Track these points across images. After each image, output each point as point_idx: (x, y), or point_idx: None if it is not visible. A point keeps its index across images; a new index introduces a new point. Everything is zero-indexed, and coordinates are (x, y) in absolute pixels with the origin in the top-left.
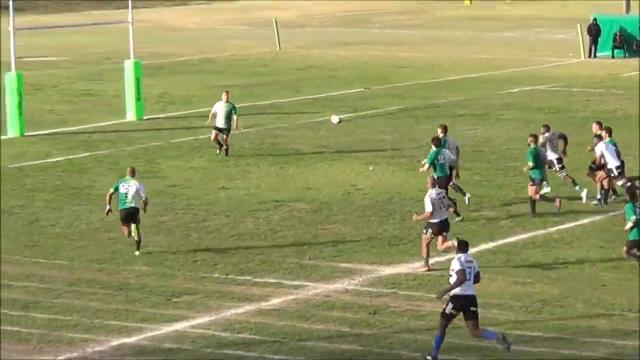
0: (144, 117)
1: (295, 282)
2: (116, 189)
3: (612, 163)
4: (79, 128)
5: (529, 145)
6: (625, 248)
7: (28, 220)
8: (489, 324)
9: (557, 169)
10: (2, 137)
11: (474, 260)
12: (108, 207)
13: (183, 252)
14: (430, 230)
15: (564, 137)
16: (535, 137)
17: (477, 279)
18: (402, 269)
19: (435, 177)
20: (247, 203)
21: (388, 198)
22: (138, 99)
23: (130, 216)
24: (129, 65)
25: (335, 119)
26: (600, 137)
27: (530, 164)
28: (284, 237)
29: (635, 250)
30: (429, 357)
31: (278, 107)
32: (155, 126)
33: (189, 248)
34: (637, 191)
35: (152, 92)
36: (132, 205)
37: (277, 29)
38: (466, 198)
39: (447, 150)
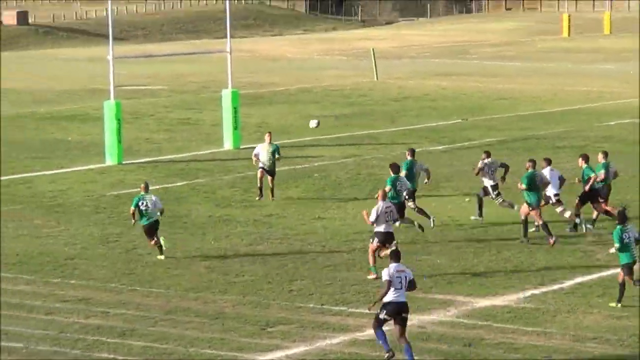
0: (241, 146)
1: None
2: (136, 206)
3: (551, 191)
4: (176, 157)
5: (527, 169)
6: (620, 274)
7: (125, 248)
8: (585, 357)
9: (493, 195)
10: (101, 165)
11: (406, 270)
12: (134, 221)
13: (278, 282)
14: (376, 239)
15: (505, 166)
16: (534, 162)
17: (411, 286)
18: (497, 301)
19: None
20: (343, 233)
21: (484, 230)
22: (235, 128)
23: (153, 228)
24: (227, 94)
25: (313, 123)
26: (549, 162)
27: (524, 186)
28: (380, 267)
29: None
30: (387, 355)
31: (374, 137)
32: (252, 155)
33: (284, 277)
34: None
35: (250, 121)
36: (154, 218)
37: (374, 59)
38: (431, 221)
39: (404, 178)
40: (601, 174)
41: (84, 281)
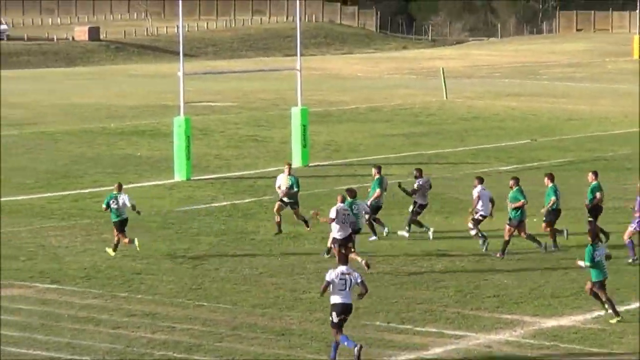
0: (310, 164)
1: (456, 332)
2: (107, 205)
3: (482, 210)
4: (244, 173)
5: (511, 188)
6: (587, 285)
7: (192, 263)
8: None
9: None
10: (169, 181)
11: (352, 272)
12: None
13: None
14: (337, 245)
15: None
16: (517, 180)
17: (363, 287)
18: (564, 321)
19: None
20: (410, 252)
21: (549, 252)
22: (304, 145)
23: (123, 225)
24: (296, 112)
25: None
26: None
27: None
28: (446, 286)
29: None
30: (355, 349)
31: (443, 156)
32: (321, 173)
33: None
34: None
35: (319, 139)
36: (124, 216)
37: (444, 78)
38: (385, 230)
39: (361, 203)
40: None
41: (151, 296)
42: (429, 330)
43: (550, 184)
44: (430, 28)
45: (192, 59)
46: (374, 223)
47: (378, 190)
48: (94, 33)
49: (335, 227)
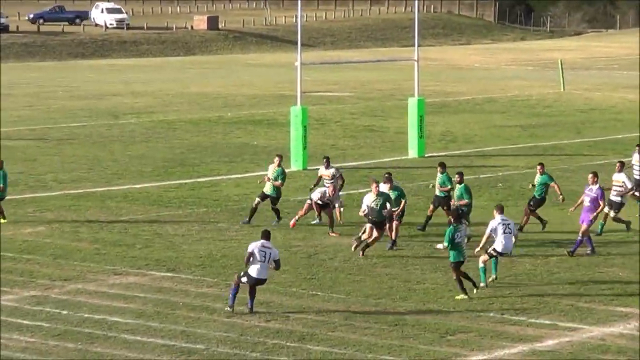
0: (426, 155)
1: (570, 324)
2: None
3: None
4: (360, 163)
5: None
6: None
7: (307, 253)
8: None
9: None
10: (286, 171)
11: (272, 248)
12: None
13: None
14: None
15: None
16: (461, 175)
17: (276, 265)
18: None
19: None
20: (524, 243)
21: None
22: (421, 136)
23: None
24: (413, 102)
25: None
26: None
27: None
28: (561, 278)
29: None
30: (228, 309)
31: (559, 148)
32: (437, 164)
33: (465, 286)
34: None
35: (435, 129)
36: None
37: (562, 70)
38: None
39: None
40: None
41: (266, 285)
42: (542, 322)
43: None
44: (548, 19)
45: (309, 48)
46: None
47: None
48: (212, 22)
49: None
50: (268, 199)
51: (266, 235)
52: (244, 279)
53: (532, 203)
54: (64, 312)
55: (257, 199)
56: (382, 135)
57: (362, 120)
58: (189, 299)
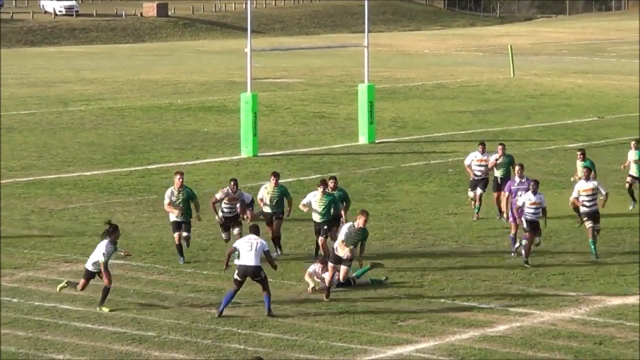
0: (376, 141)
1: (521, 309)
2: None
3: None
4: (310, 150)
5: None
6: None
7: None
8: None
9: None
10: (236, 157)
11: (260, 239)
12: None
13: (410, 276)
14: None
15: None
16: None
17: (268, 257)
18: (630, 300)
19: None
20: (475, 229)
21: (617, 228)
22: (371, 122)
23: None
24: (363, 88)
25: None
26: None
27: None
28: (511, 264)
29: None
30: (215, 311)
31: (509, 134)
32: (387, 150)
33: (416, 272)
34: None
35: (385, 115)
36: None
37: (511, 55)
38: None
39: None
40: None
41: (217, 272)
42: (493, 307)
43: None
44: (498, 5)
45: (259, 35)
46: None
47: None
48: (162, 9)
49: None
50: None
51: (255, 231)
52: (235, 274)
53: (499, 183)
54: (15, 300)
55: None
56: (332, 122)
57: (312, 106)
58: (139, 286)
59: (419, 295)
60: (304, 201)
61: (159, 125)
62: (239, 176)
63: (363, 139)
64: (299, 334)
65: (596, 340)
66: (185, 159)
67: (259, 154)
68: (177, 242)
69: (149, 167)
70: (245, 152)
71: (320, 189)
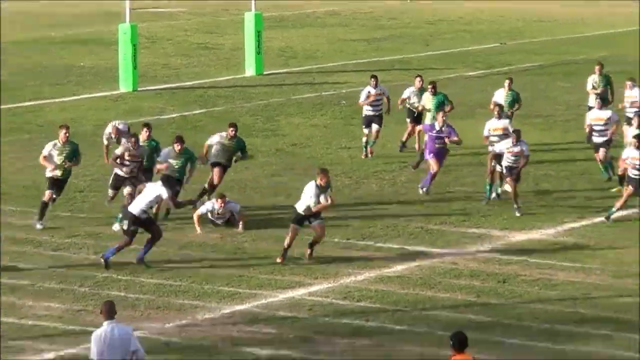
0: (264, 72)
1: (420, 248)
2: None
3: None
4: (194, 83)
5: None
6: None
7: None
8: (626, 294)
9: None
10: (115, 92)
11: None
12: None
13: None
14: None
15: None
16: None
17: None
18: (534, 235)
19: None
20: (371, 163)
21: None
22: (258, 52)
23: None
24: (249, 17)
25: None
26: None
27: None
28: (410, 200)
29: None
30: (101, 258)
31: (406, 62)
32: (276, 82)
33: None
34: None
35: (274, 45)
36: None
37: None
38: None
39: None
40: None
41: (95, 215)
42: (390, 246)
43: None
44: None
45: None
46: None
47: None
48: None
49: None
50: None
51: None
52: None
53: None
54: None
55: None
56: (218, 53)
57: (196, 37)
58: (12, 232)
59: (311, 235)
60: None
61: (31, 60)
62: (119, 112)
63: (250, 71)
64: (183, 279)
65: (499, 279)
66: (61, 95)
67: (139, 89)
68: (45, 200)
69: (22, 104)
70: (125, 86)
71: (230, 131)
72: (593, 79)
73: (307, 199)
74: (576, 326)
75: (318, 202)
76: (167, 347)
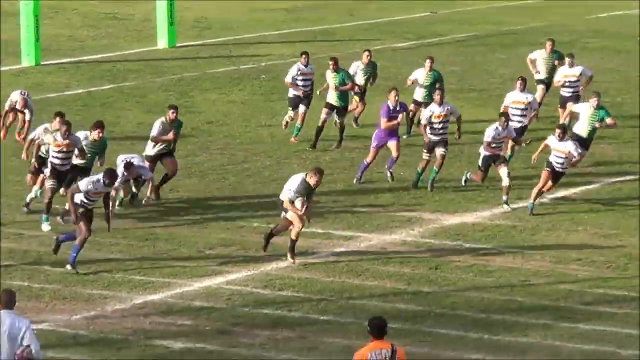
0: (177, 45)
1: (346, 233)
2: None
3: None
4: (102, 56)
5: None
6: None
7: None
8: (567, 280)
9: None
10: (16, 66)
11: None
12: None
13: (218, 198)
14: None
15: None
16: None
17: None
18: (469, 218)
19: None
20: (292, 143)
21: (451, 137)
22: (171, 23)
23: None
24: None
25: None
26: None
27: None
28: (334, 181)
29: None
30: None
31: (330, 33)
32: (190, 55)
33: (225, 193)
34: None
35: (187, 15)
36: None
37: None
38: None
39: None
40: None
41: None
42: (314, 231)
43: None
44: None
45: None
46: None
47: None
48: None
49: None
50: None
51: (111, 177)
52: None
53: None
54: None
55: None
56: (127, 24)
57: (104, 6)
58: None
59: (228, 219)
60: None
61: None
62: (20, 88)
63: (162, 43)
64: (92, 267)
65: (431, 265)
66: None
67: (42, 63)
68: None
69: None
70: (27, 60)
71: (171, 113)
72: (542, 54)
73: (286, 190)
74: (513, 315)
75: (299, 198)
76: (74, 340)
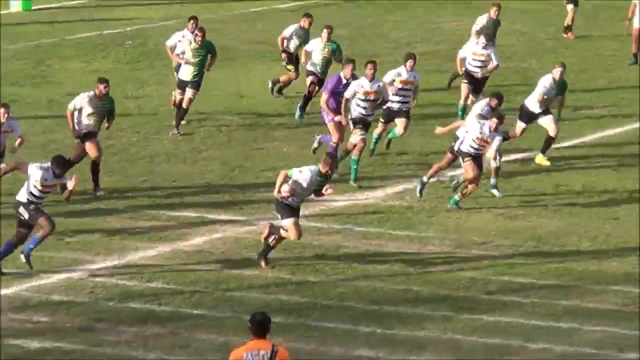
0: (32, 7)
1: (222, 217)
2: None
3: None
4: None
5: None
6: None
7: None
8: (469, 267)
9: None
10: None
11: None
12: None
13: (80, 180)
14: None
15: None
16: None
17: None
18: (360, 198)
19: None
20: (162, 116)
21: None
22: None
23: None
24: None
25: None
26: None
27: None
28: (209, 158)
29: None
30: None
31: None
32: (48, 19)
33: (86, 174)
34: None
35: None
36: None
37: None
38: None
39: None
40: None
41: None
42: (187, 214)
43: None
44: None
45: None
46: None
47: None
48: None
49: None
50: None
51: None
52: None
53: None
54: None
55: None
56: None
57: None
58: None
59: (90, 202)
60: None
61: None
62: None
63: (16, 6)
64: None
65: (318, 252)
66: None
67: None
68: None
69: None
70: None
71: (103, 87)
72: (482, 21)
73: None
74: (409, 307)
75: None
76: None
